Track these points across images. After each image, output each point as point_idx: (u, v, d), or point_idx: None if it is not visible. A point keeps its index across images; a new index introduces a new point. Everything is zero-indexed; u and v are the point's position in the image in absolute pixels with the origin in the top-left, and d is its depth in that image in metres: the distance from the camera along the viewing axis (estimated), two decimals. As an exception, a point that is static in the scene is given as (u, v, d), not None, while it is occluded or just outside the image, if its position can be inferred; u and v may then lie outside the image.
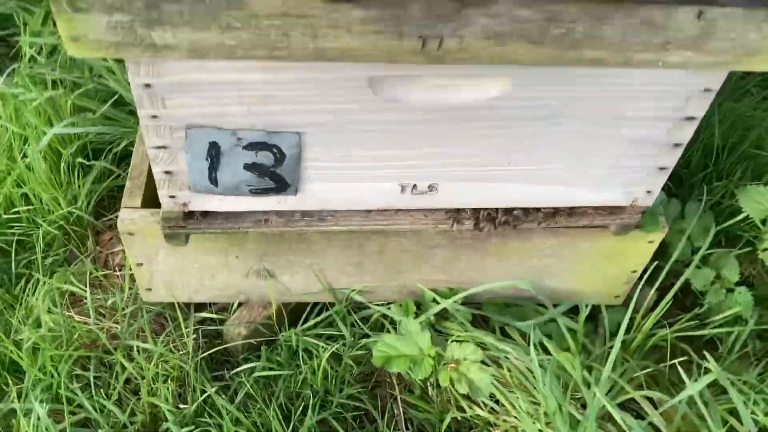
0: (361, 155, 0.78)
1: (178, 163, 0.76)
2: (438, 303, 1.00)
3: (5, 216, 1.14)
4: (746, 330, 1.03)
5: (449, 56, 0.65)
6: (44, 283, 1.06)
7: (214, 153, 0.75)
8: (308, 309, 1.07)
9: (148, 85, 0.68)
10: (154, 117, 0.71)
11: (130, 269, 1.05)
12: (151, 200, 0.92)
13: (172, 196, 0.81)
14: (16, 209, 1.14)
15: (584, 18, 0.62)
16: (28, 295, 1.06)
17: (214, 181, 0.78)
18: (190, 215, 0.84)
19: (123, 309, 1.04)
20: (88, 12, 0.58)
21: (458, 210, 0.89)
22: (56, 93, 1.16)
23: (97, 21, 0.59)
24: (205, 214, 0.85)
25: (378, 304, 1.04)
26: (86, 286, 1.06)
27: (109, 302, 1.05)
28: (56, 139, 1.15)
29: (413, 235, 0.94)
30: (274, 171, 0.78)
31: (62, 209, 1.13)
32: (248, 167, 0.77)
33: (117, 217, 0.92)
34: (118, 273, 1.14)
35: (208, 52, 0.63)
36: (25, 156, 1.16)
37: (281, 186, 0.80)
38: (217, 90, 0.69)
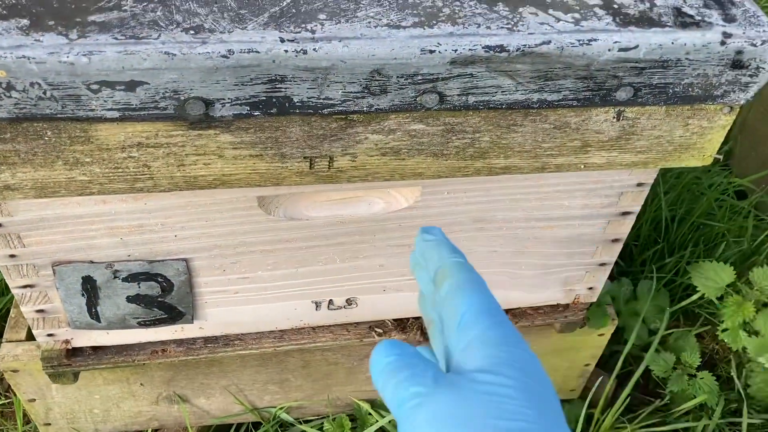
0: (263, 276, 0.69)
1: (51, 300, 0.67)
2: (372, 415, 0.90)
3: None
4: (713, 421, 0.95)
5: (343, 175, 0.57)
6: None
7: (89, 287, 0.65)
8: (234, 428, 0.96)
9: (-2, 224, 0.59)
10: (13, 256, 0.62)
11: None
12: (40, 328, 0.82)
13: (50, 335, 0.71)
14: None
15: (488, 127, 0.55)
16: None
17: (95, 316, 0.68)
18: (76, 351, 0.74)
19: (20, 447, 0.92)
20: None
21: (384, 320, 0.80)
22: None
23: None
24: (95, 348, 0.75)
25: (310, 420, 0.94)
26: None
27: (3, 440, 0.93)
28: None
29: (340, 348, 0.85)
30: (163, 301, 0.68)
31: (-44, 331, 1.01)
32: (132, 299, 0.67)
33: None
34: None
35: (59, 190, 0.54)
36: None
37: (174, 315, 0.70)
38: (82, 223, 0.60)
